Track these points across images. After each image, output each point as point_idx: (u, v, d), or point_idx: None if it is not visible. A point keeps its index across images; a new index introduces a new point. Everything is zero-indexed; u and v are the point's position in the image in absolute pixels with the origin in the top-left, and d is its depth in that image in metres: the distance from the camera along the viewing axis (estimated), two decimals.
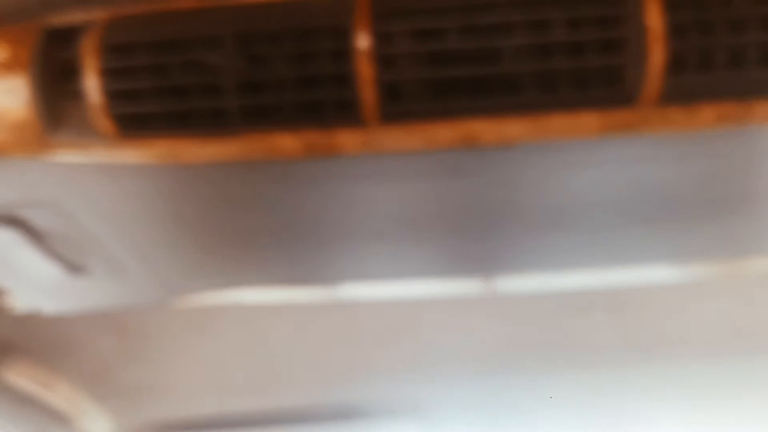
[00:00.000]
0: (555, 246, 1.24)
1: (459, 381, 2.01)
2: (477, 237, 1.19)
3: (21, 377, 1.64)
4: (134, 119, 0.85)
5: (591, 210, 1.10)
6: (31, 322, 1.55)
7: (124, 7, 0.87)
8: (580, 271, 1.38)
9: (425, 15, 0.81)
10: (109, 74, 0.83)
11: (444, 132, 0.85)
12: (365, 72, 0.81)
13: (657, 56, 0.79)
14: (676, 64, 0.81)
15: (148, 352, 1.78)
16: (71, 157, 0.89)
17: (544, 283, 1.43)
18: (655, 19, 0.78)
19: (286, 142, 0.86)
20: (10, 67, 0.85)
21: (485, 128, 0.85)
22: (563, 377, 1.99)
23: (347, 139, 0.86)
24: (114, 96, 0.84)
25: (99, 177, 0.93)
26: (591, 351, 1.91)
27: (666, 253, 1.29)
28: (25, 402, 1.70)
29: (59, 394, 1.71)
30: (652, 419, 2.08)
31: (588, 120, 0.84)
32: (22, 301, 1.30)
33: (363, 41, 0.80)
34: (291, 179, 0.98)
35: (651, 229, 1.17)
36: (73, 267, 1.15)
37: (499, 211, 1.10)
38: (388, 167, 0.94)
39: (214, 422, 2.02)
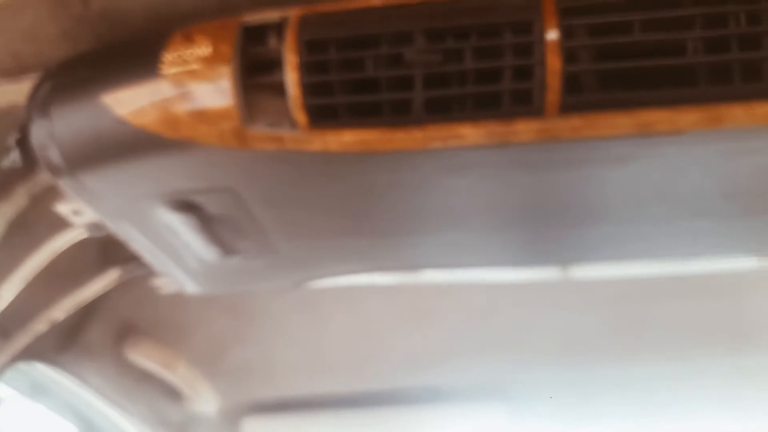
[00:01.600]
0: (653, 235, 1.26)
1: (546, 365, 2.04)
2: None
3: (143, 356, 1.73)
4: (326, 111, 0.91)
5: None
6: (155, 303, 1.62)
7: (313, 6, 0.93)
8: (672, 259, 1.40)
9: (610, 10, 0.85)
10: (305, 68, 0.89)
11: (620, 122, 0.89)
12: (554, 64, 0.85)
13: None
14: None
15: (256, 333, 1.85)
16: (261, 147, 0.95)
17: (626, 271, 1.45)
18: None
19: (467, 131, 0.91)
20: (213, 61, 0.91)
21: (660, 118, 0.88)
22: (648, 365, 2.01)
23: (526, 128, 0.90)
24: (309, 89, 0.89)
25: (279, 165, 0.99)
26: (680, 340, 1.93)
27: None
28: (144, 380, 1.78)
29: (177, 374, 1.79)
30: (740, 409, 2.08)
31: (762, 110, 0.87)
32: (170, 283, 1.37)
33: (552, 35, 0.85)
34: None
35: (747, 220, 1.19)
36: (229, 250, 1.21)
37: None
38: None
39: (308, 402, 2.09)
